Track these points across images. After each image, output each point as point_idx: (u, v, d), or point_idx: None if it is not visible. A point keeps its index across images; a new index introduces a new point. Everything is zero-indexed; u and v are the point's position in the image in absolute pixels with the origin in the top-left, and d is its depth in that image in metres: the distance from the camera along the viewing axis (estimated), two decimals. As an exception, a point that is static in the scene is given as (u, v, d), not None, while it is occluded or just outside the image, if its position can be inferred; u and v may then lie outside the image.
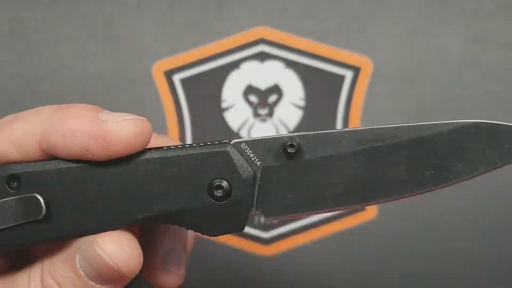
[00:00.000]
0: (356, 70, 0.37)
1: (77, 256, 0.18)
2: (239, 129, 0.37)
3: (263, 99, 0.37)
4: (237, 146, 0.18)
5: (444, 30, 0.37)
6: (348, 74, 0.37)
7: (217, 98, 0.37)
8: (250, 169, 0.18)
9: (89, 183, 0.18)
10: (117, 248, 0.18)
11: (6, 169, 0.18)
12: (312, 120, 0.37)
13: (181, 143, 0.19)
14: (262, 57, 0.37)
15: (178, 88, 0.37)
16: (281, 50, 0.37)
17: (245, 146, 0.18)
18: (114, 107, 0.36)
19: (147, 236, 0.20)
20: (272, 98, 0.37)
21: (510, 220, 0.38)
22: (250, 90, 0.37)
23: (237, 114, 0.37)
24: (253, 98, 0.37)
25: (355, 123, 0.37)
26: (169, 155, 0.18)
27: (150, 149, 0.18)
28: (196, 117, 0.37)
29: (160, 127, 0.37)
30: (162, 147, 0.19)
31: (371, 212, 0.37)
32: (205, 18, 0.37)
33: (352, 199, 0.19)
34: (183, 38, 0.37)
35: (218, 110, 0.37)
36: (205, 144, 0.18)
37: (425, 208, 0.37)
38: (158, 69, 0.37)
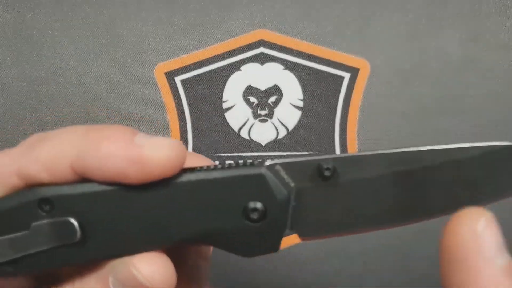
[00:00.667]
0: (354, 72, 0.37)
1: (110, 277, 0.18)
2: (240, 129, 0.37)
3: (263, 100, 0.37)
4: (271, 168, 0.18)
5: (442, 30, 0.37)
6: (346, 75, 0.37)
7: (218, 99, 0.37)
8: (285, 191, 0.18)
9: (123, 206, 0.18)
10: (154, 270, 0.18)
11: (37, 192, 0.18)
12: (311, 121, 0.37)
13: (214, 164, 0.19)
14: (262, 59, 0.37)
15: (179, 89, 0.37)
16: (280, 52, 0.37)
17: (279, 168, 0.18)
18: (116, 108, 0.37)
19: (172, 254, 0.19)
20: (272, 98, 0.37)
21: (509, 220, 0.38)
22: (250, 91, 0.37)
23: (238, 115, 0.37)
24: (253, 99, 0.37)
25: (353, 124, 0.37)
26: (204, 178, 0.18)
27: (185, 170, 0.18)
28: (197, 118, 0.37)
29: (161, 128, 0.37)
30: (197, 168, 0.18)
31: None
32: (206, 21, 0.37)
33: (383, 221, 0.19)
34: (185, 40, 0.37)
35: (218, 111, 0.37)
36: (240, 166, 0.18)
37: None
38: (159, 70, 0.37)
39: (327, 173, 0.18)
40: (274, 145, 0.37)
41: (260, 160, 0.18)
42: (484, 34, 0.37)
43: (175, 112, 0.37)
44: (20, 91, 0.36)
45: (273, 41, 0.37)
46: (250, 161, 0.18)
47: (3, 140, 0.37)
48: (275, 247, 0.18)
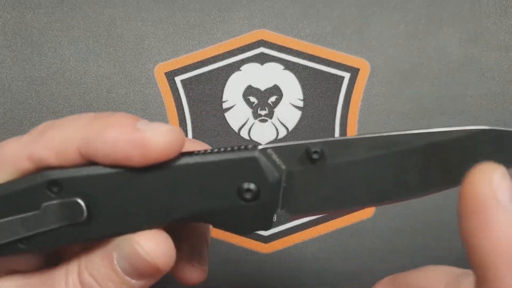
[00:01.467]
0: (354, 72, 0.37)
1: (114, 253, 0.19)
2: (240, 129, 0.37)
3: (263, 100, 0.37)
4: (264, 151, 0.19)
5: (441, 30, 0.37)
6: (346, 75, 0.37)
7: (218, 99, 0.37)
8: (276, 173, 0.19)
9: (127, 187, 0.19)
10: (155, 246, 0.19)
11: (46, 174, 0.19)
12: (311, 121, 0.37)
13: (211, 148, 0.20)
14: (262, 59, 0.37)
15: (179, 89, 0.37)
16: (280, 52, 0.37)
17: (271, 152, 0.19)
18: (116, 108, 0.37)
19: (173, 234, 0.21)
20: (272, 98, 0.37)
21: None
22: (250, 91, 0.37)
23: (238, 115, 0.37)
24: (253, 99, 0.37)
25: (353, 124, 0.37)
26: (201, 160, 0.19)
27: (184, 154, 0.19)
28: (197, 118, 0.37)
29: (161, 128, 0.37)
30: (195, 152, 0.20)
31: (368, 210, 0.37)
32: (206, 21, 0.37)
33: (368, 200, 0.20)
34: (185, 40, 0.37)
35: (219, 111, 0.37)
36: (235, 150, 0.19)
37: (421, 206, 0.37)
38: (160, 70, 0.37)
39: (315, 156, 0.19)
40: (274, 145, 0.37)
41: (253, 145, 0.19)
42: (484, 34, 0.37)
43: (175, 112, 0.37)
44: (20, 91, 0.37)
45: (273, 41, 0.37)
46: (244, 145, 0.20)
47: (3, 140, 0.37)
48: (267, 225, 0.20)
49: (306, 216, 0.21)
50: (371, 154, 0.19)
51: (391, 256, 0.38)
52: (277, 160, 0.19)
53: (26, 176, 0.20)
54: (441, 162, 0.19)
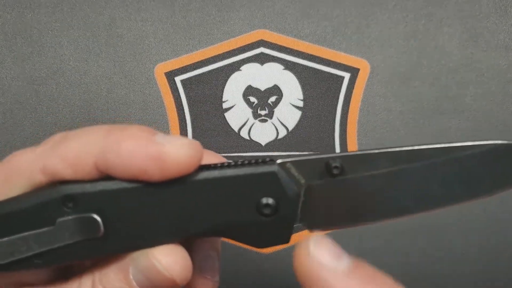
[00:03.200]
0: (354, 72, 0.37)
1: (130, 268, 0.19)
2: (240, 129, 0.37)
3: (263, 100, 0.37)
4: (283, 165, 0.19)
5: (441, 30, 0.37)
6: (346, 75, 0.37)
7: (218, 99, 0.37)
8: (295, 188, 0.19)
9: (144, 202, 0.18)
10: (172, 260, 0.19)
11: (61, 189, 0.19)
12: (311, 121, 0.37)
13: (229, 161, 0.20)
14: (262, 59, 0.37)
15: (179, 89, 0.37)
16: (280, 52, 0.37)
17: (290, 166, 0.19)
18: (116, 108, 0.37)
19: (185, 245, 0.20)
20: (272, 98, 0.37)
21: (507, 217, 0.38)
22: (250, 91, 0.37)
23: (238, 115, 0.37)
24: (253, 99, 0.37)
25: (353, 124, 0.37)
26: (220, 175, 0.19)
27: (202, 167, 0.19)
28: (197, 118, 0.37)
29: (162, 128, 0.37)
30: (211, 165, 0.19)
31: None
32: (206, 21, 0.37)
33: (388, 214, 0.20)
34: (185, 40, 0.37)
35: (219, 111, 0.37)
36: (253, 163, 0.19)
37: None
38: (159, 70, 0.37)
39: (335, 171, 0.19)
40: (274, 145, 0.38)
41: (272, 158, 0.19)
42: (484, 34, 0.37)
43: (175, 112, 0.37)
44: (20, 91, 0.37)
45: (273, 41, 0.37)
46: (262, 158, 0.19)
47: (3, 140, 0.37)
48: (286, 239, 0.20)
49: (326, 231, 0.21)
50: (391, 169, 0.19)
51: (391, 256, 0.38)
52: (296, 174, 0.19)
53: (40, 190, 0.19)
54: (462, 176, 0.19)
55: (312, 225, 0.20)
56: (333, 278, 0.16)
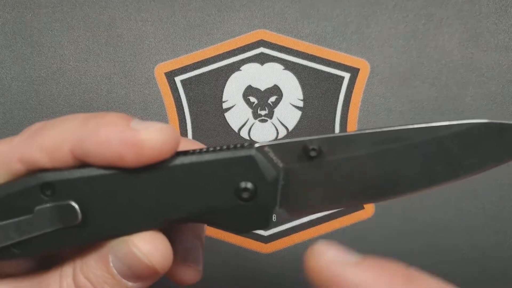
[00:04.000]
0: (354, 72, 0.37)
1: (110, 255, 0.19)
2: (240, 129, 0.37)
3: (263, 100, 0.37)
4: (261, 149, 0.19)
5: (441, 30, 0.37)
6: (346, 75, 0.37)
7: (218, 99, 0.37)
8: (274, 171, 0.19)
9: (122, 189, 0.18)
10: (152, 247, 0.19)
11: (39, 177, 0.19)
12: (311, 121, 0.37)
13: (207, 147, 0.20)
14: (262, 59, 0.37)
15: (179, 89, 0.37)
16: (280, 52, 0.37)
17: (268, 150, 0.19)
18: (116, 108, 0.37)
19: (168, 234, 0.20)
20: (272, 98, 0.37)
21: (506, 218, 0.38)
22: (250, 91, 0.37)
23: (238, 115, 0.37)
24: (253, 99, 0.37)
25: (353, 124, 0.37)
26: (197, 160, 0.19)
27: (179, 153, 0.19)
28: (197, 118, 0.37)
29: (161, 128, 0.37)
30: (190, 151, 0.19)
31: (368, 210, 0.37)
32: (206, 21, 0.37)
33: (367, 196, 0.20)
34: (185, 40, 0.37)
35: (218, 111, 0.37)
36: (231, 148, 0.19)
37: (421, 206, 0.38)
38: (159, 70, 0.37)
39: (313, 153, 0.19)
40: (274, 145, 0.37)
41: (250, 142, 0.19)
42: (484, 34, 0.37)
43: (175, 112, 0.37)
44: (20, 91, 0.37)
45: (273, 41, 0.37)
46: (241, 143, 0.19)
47: None
48: (265, 223, 0.19)
49: (306, 215, 0.21)
50: (371, 150, 0.19)
51: (391, 256, 0.38)
52: (274, 158, 0.19)
53: (18, 179, 0.19)
54: (443, 156, 0.19)
55: (292, 209, 0.20)
56: (345, 271, 0.16)
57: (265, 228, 0.20)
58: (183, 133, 0.37)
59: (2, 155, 0.19)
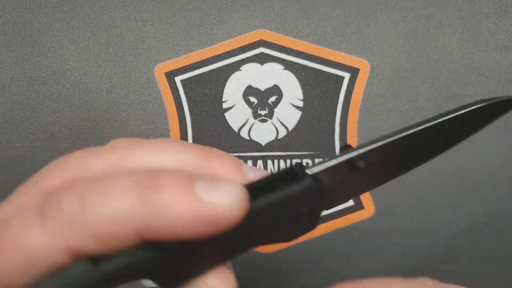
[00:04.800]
0: (354, 72, 0.37)
1: None
2: (240, 129, 0.37)
3: (263, 100, 0.37)
4: (315, 176, 0.19)
5: (441, 30, 0.37)
6: (346, 75, 0.37)
7: (218, 99, 0.37)
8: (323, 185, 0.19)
9: (190, 251, 0.17)
10: (224, 283, 0.18)
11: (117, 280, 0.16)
12: (311, 121, 0.37)
13: (260, 182, 0.19)
14: (262, 59, 0.37)
15: (179, 89, 0.37)
16: (280, 52, 0.37)
17: (321, 175, 0.19)
18: (116, 108, 0.37)
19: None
20: (272, 98, 0.37)
21: (507, 218, 0.38)
22: (250, 91, 0.37)
23: (238, 115, 0.37)
24: (253, 99, 0.37)
25: (353, 124, 0.37)
26: (263, 205, 0.18)
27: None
28: (197, 118, 0.37)
29: (162, 128, 0.37)
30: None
31: (368, 211, 0.37)
32: (206, 21, 0.37)
33: (390, 176, 0.21)
34: (185, 40, 0.37)
35: (218, 111, 0.37)
36: (284, 180, 0.19)
37: (421, 207, 0.38)
38: (159, 70, 0.37)
39: (361, 164, 0.20)
40: (274, 145, 0.38)
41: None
42: (484, 34, 0.37)
43: (175, 112, 0.37)
44: (20, 91, 0.37)
45: (273, 41, 0.37)
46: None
47: (3, 140, 0.37)
48: (314, 226, 0.20)
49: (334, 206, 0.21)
50: (404, 150, 0.20)
51: (391, 256, 0.38)
52: (325, 179, 0.19)
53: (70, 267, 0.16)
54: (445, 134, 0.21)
55: (330, 206, 0.20)
56: None
57: (314, 229, 0.20)
58: (183, 133, 0.37)
59: (39, 250, 0.15)
